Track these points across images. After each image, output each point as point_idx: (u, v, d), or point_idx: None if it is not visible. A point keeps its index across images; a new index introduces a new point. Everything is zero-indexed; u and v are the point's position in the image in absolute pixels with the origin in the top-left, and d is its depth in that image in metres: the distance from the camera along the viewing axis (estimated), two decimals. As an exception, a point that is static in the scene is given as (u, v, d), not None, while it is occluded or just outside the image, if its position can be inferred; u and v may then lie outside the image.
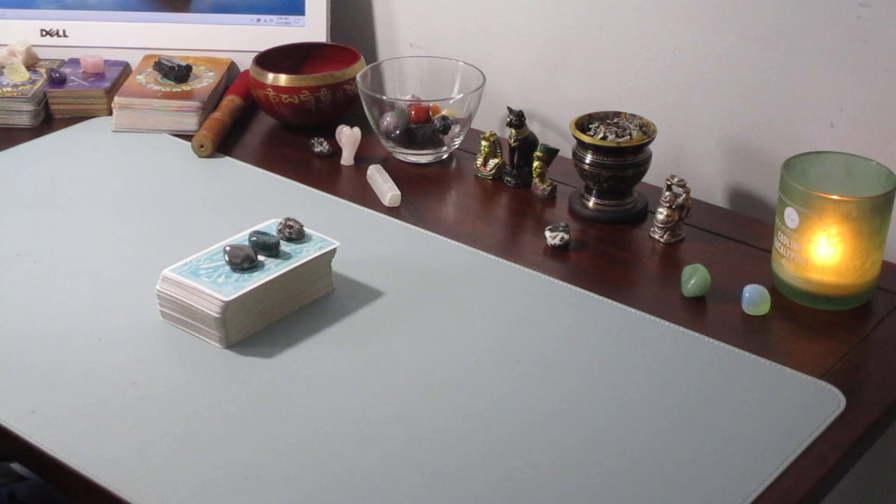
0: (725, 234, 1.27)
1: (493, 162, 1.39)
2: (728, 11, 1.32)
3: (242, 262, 1.07)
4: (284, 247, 1.12)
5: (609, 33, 1.43)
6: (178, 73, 1.54)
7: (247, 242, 1.10)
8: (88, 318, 1.12)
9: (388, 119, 1.42)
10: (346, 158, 1.44)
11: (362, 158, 1.43)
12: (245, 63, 1.57)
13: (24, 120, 1.53)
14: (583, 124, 1.30)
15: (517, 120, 1.36)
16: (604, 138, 1.28)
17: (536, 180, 1.35)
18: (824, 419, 0.98)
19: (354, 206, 1.33)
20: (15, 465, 1.22)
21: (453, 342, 1.09)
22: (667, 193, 1.24)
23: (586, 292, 1.16)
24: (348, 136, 1.44)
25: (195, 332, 1.08)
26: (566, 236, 1.24)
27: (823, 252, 1.11)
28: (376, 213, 1.31)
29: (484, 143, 1.39)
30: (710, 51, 1.35)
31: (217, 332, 1.07)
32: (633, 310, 1.13)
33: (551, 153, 1.34)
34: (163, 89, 1.53)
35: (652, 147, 1.29)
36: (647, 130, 1.29)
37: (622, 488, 0.91)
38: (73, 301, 1.14)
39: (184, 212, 1.32)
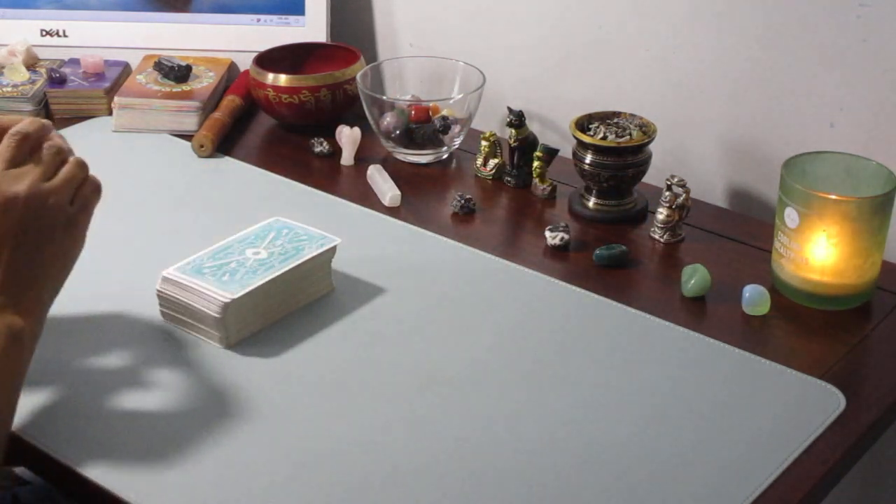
0: (725, 234, 1.27)
1: (493, 162, 1.39)
2: (728, 11, 1.32)
3: None
4: (287, 243, 1.12)
5: (609, 33, 1.43)
6: (178, 73, 1.54)
7: None
8: (88, 318, 1.12)
9: (388, 119, 1.42)
10: (346, 158, 1.44)
11: (362, 158, 1.43)
12: (245, 63, 1.57)
13: (24, 120, 1.53)
14: (583, 124, 1.30)
15: (517, 120, 1.36)
16: (604, 138, 1.28)
17: (536, 180, 1.35)
18: (824, 419, 0.98)
19: (354, 206, 1.33)
20: (18, 469, 1.22)
21: (453, 342, 1.09)
22: (667, 193, 1.24)
23: (586, 292, 1.16)
24: (348, 136, 1.44)
25: (195, 332, 1.08)
26: (566, 236, 1.24)
27: (823, 252, 1.11)
28: (376, 213, 1.31)
29: (484, 143, 1.39)
30: (710, 50, 1.35)
31: (217, 332, 1.07)
32: (633, 310, 1.13)
33: (551, 153, 1.34)
34: (163, 89, 1.53)
35: (652, 147, 1.29)
36: (647, 130, 1.29)
37: (621, 488, 0.91)
38: (73, 301, 1.14)
39: (184, 212, 1.32)
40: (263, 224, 1.16)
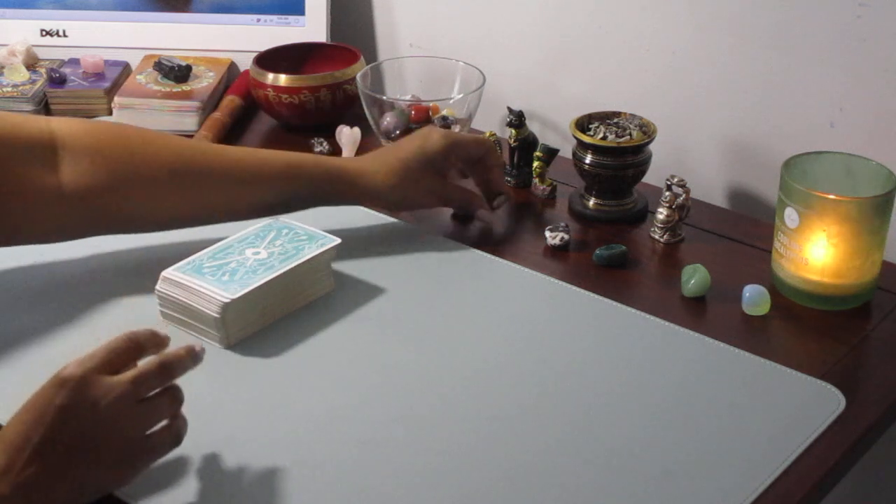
0: (725, 234, 1.27)
1: (493, 162, 1.39)
2: (728, 11, 1.32)
3: None
4: (287, 243, 1.12)
5: (609, 33, 1.43)
6: (178, 73, 1.55)
7: None
8: (87, 318, 1.12)
9: (388, 119, 1.42)
10: (346, 158, 1.44)
11: (362, 158, 1.43)
12: (245, 63, 1.57)
13: (24, 120, 1.53)
14: (583, 124, 1.30)
15: (517, 120, 1.36)
16: (604, 138, 1.28)
17: (536, 180, 1.35)
18: (824, 419, 0.98)
19: (354, 206, 1.33)
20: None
21: (453, 342, 1.09)
22: (667, 193, 1.24)
23: (586, 292, 1.16)
24: (348, 136, 1.43)
25: (195, 332, 1.08)
26: (566, 236, 1.24)
27: (823, 252, 1.11)
28: (376, 214, 1.31)
29: (484, 143, 1.39)
30: (710, 51, 1.35)
31: (217, 332, 1.07)
32: (632, 310, 1.13)
33: (551, 153, 1.34)
34: (163, 89, 1.53)
35: (652, 147, 1.29)
36: (647, 130, 1.29)
37: (621, 488, 0.91)
38: (73, 302, 1.14)
39: (184, 212, 1.32)
40: (263, 224, 1.16)
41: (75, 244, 1.23)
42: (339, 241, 1.15)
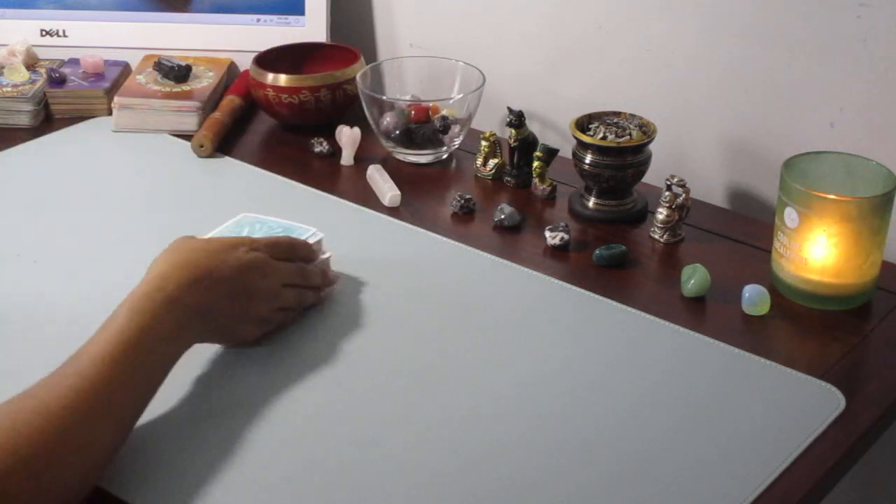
0: (725, 234, 1.27)
1: (493, 162, 1.39)
2: (729, 12, 1.32)
3: None
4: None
5: (609, 33, 1.43)
6: (177, 73, 1.55)
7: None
8: (89, 318, 1.12)
9: (388, 119, 1.42)
10: (346, 158, 1.44)
11: (362, 158, 1.43)
12: (245, 63, 1.57)
13: (24, 120, 1.53)
14: (583, 124, 1.30)
15: (517, 120, 1.36)
16: (604, 138, 1.28)
17: (536, 180, 1.35)
18: (824, 419, 0.98)
19: (354, 206, 1.33)
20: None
21: (453, 342, 1.09)
22: (667, 193, 1.24)
23: (586, 292, 1.16)
24: (348, 136, 1.44)
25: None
26: (566, 236, 1.24)
27: (823, 252, 1.11)
28: (376, 213, 1.31)
29: (484, 143, 1.39)
30: (710, 51, 1.35)
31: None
32: (632, 310, 1.13)
33: (551, 153, 1.34)
34: (163, 89, 1.53)
35: (652, 147, 1.29)
36: (647, 130, 1.29)
37: (621, 488, 0.91)
38: (73, 302, 1.14)
39: (184, 212, 1.32)
40: (233, 222, 1.16)
41: (70, 244, 1.23)
42: (322, 235, 1.15)
